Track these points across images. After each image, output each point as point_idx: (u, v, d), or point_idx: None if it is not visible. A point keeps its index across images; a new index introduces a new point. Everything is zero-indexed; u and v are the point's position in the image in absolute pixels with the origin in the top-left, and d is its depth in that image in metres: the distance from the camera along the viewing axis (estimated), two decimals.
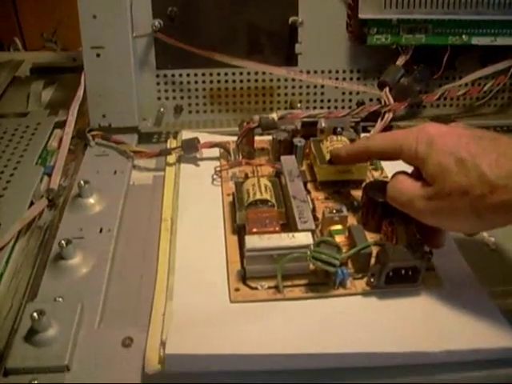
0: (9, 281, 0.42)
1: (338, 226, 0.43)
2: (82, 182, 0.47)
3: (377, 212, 0.43)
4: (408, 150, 0.38)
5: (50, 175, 0.53)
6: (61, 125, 0.60)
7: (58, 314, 0.36)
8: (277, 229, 0.41)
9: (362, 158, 0.45)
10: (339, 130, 0.53)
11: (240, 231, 0.43)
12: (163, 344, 0.34)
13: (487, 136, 0.36)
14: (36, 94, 0.69)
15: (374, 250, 0.40)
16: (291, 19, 0.58)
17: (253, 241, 0.39)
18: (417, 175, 0.38)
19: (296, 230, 0.40)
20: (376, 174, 0.51)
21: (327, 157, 0.49)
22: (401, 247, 0.40)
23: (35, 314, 0.34)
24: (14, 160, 0.54)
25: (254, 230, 0.41)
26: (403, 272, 0.38)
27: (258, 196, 0.44)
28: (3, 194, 0.49)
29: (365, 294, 0.39)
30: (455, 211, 0.35)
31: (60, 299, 0.38)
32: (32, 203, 0.49)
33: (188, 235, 0.44)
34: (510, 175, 0.33)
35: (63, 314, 0.36)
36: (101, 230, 0.45)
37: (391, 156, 0.40)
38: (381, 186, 0.45)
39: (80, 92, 0.59)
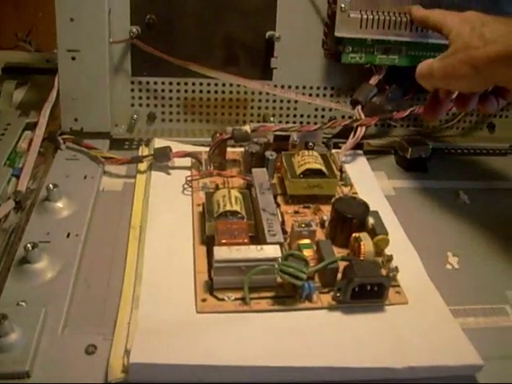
0: None
1: (307, 240, 0.43)
2: (50, 186, 0.47)
3: (345, 227, 0.44)
4: (451, 25, 0.47)
5: (18, 177, 0.52)
6: (31, 126, 0.59)
7: (21, 319, 0.35)
8: (246, 241, 0.41)
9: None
10: (310, 144, 0.53)
11: (209, 242, 0.43)
12: (127, 352, 0.34)
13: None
14: (7, 93, 0.68)
15: (341, 265, 0.40)
16: (268, 33, 0.59)
17: (221, 252, 0.39)
18: None
19: (265, 242, 0.41)
20: (345, 190, 0.52)
21: (298, 171, 0.50)
22: (367, 263, 0.40)
23: None
24: None
25: (223, 241, 0.41)
26: (369, 288, 0.39)
27: (228, 207, 0.44)
28: None
29: (331, 308, 0.39)
30: (458, 65, 0.43)
31: (23, 303, 0.37)
32: None
33: (156, 244, 0.44)
34: (500, 34, 0.41)
35: (26, 318, 0.35)
36: (68, 235, 0.44)
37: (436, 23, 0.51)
38: (350, 201, 0.46)
39: (53, 94, 0.58)
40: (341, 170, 0.54)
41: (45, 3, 0.55)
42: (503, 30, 0.42)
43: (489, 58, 0.41)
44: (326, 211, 0.48)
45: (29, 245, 0.40)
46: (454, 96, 0.50)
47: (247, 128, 0.54)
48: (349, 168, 0.55)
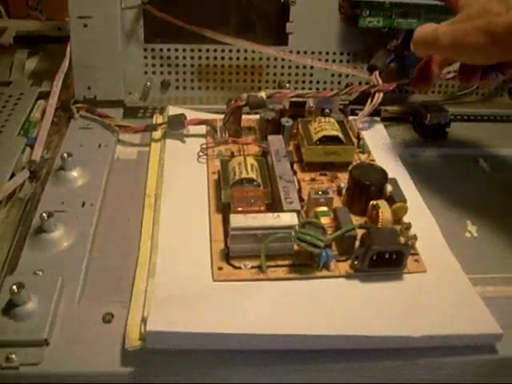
0: None
1: (324, 208, 0.42)
2: (65, 155, 0.46)
3: (363, 195, 0.43)
4: None
5: (32, 147, 0.52)
6: (44, 96, 0.59)
7: (38, 288, 0.35)
8: (262, 208, 0.41)
9: None
10: (327, 111, 0.53)
11: (225, 210, 0.43)
12: (144, 320, 0.33)
13: None
14: (20, 63, 0.67)
15: (359, 232, 0.40)
16: None
17: (237, 220, 0.39)
18: None
19: (281, 210, 0.40)
20: (363, 157, 0.51)
21: (315, 138, 0.49)
22: (386, 231, 0.40)
23: (14, 287, 0.33)
24: None
25: (239, 208, 0.41)
26: (387, 256, 0.38)
27: (244, 175, 0.44)
28: None
29: (348, 276, 0.39)
30: (473, 33, 0.38)
31: (40, 272, 0.37)
32: (13, 174, 0.48)
33: (172, 212, 0.44)
34: None
35: (43, 287, 0.35)
36: (83, 204, 0.44)
37: None
38: (367, 168, 0.45)
39: (65, 63, 0.57)
40: (358, 137, 0.53)
41: None
42: None
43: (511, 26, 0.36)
44: (343, 179, 0.47)
45: (44, 214, 0.40)
46: (450, 68, 0.47)
47: (262, 94, 0.53)
48: (366, 135, 0.54)
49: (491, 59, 0.41)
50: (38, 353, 0.33)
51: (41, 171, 0.49)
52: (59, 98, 0.57)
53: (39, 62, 0.69)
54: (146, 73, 0.60)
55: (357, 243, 0.40)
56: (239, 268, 0.39)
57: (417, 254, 0.41)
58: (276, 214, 0.39)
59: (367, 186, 0.43)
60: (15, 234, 0.42)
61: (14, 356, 0.32)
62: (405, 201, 0.43)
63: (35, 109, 0.57)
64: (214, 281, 0.38)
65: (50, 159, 0.51)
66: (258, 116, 0.53)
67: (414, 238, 0.41)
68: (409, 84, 0.52)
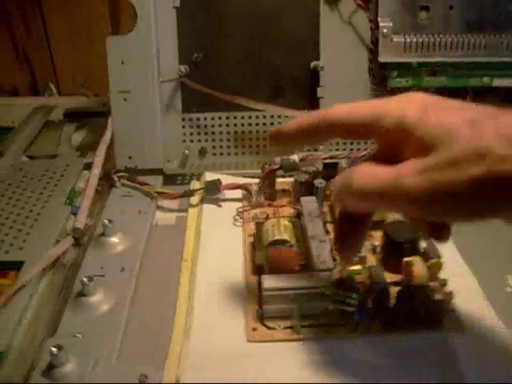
0: (33, 316, 0.42)
1: (357, 267, 0.43)
2: (105, 221, 0.48)
3: (397, 252, 0.43)
4: (391, 118, 0.29)
5: (76, 215, 0.54)
6: (89, 166, 0.62)
7: (76, 350, 0.36)
8: (296, 269, 0.41)
9: (318, 132, 0.33)
10: None
11: (259, 271, 0.43)
12: (177, 382, 0.34)
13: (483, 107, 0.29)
14: (67, 136, 0.71)
15: (394, 290, 0.39)
16: (313, 64, 0.60)
17: (271, 280, 0.39)
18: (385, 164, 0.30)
19: (314, 269, 0.40)
20: (396, 214, 0.51)
21: None
22: (421, 288, 0.39)
23: (53, 349, 0.34)
24: (43, 199, 0.56)
25: (273, 269, 0.41)
26: (423, 314, 0.38)
27: (277, 236, 0.44)
28: (30, 231, 0.50)
29: (383, 334, 0.38)
30: (465, 184, 0.26)
31: (79, 335, 0.38)
32: (58, 241, 0.50)
33: (208, 275, 0.45)
34: None
35: (81, 349, 0.36)
36: (122, 269, 0.46)
37: (360, 129, 0.31)
38: (401, 225, 0.45)
39: (107, 135, 0.61)
40: None
41: (101, 49, 0.58)
42: None
43: None
44: (377, 236, 0.47)
45: (85, 278, 0.41)
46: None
47: (295, 158, 0.54)
48: None
49: (485, 215, 0.28)
50: None
51: (83, 238, 0.51)
52: (102, 168, 0.59)
53: (85, 135, 0.73)
54: (184, 141, 0.63)
55: (392, 301, 0.39)
56: (273, 328, 0.39)
57: (454, 311, 0.40)
58: (309, 274, 0.40)
59: (400, 244, 0.43)
60: (58, 298, 0.44)
61: None
62: (439, 256, 0.42)
63: (80, 179, 0.60)
64: (249, 341, 0.38)
65: (92, 226, 0.53)
66: (292, 179, 0.55)
67: (451, 294, 0.40)
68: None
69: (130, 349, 0.39)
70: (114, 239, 0.48)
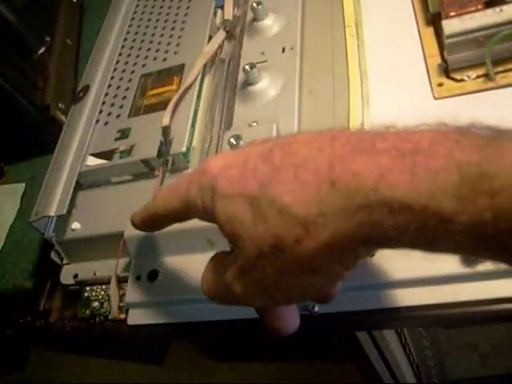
0: (204, 115, 0.42)
1: None
2: (254, 5, 0.44)
3: None
4: (194, 207, 0.27)
5: (222, 7, 0.51)
6: None
7: (255, 139, 0.35)
8: (479, 6, 0.35)
9: (157, 223, 0.31)
10: None
11: (435, 20, 0.38)
12: None
13: (279, 143, 0.25)
14: None
15: None
16: None
17: (452, 25, 0.34)
18: None
19: (503, 2, 0.34)
20: None
21: None
22: None
23: (232, 140, 0.34)
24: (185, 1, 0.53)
25: (452, 13, 0.35)
26: None
27: None
28: (181, 34, 0.49)
29: None
30: (279, 277, 0.24)
31: (254, 124, 0.37)
32: (210, 37, 0.48)
33: (376, 36, 0.40)
34: (320, 198, 0.22)
35: (259, 137, 0.35)
36: (283, 50, 0.42)
37: (184, 217, 0.29)
38: None
39: None
40: None
41: None
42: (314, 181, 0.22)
43: (319, 248, 0.22)
44: None
45: (247, 66, 0.39)
46: None
47: None
48: None
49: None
50: None
51: (235, 29, 0.48)
52: None
53: None
54: None
55: None
56: (462, 80, 0.35)
57: None
58: (498, 9, 0.33)
59: None
60: (224, 93, 0.43)
61: None
62: None
63: None
64: (436, 99, 0.34)
65: (242, 14, 0.49)
66: None
67: None
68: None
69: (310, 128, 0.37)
70: (267, 21, 0.45)
